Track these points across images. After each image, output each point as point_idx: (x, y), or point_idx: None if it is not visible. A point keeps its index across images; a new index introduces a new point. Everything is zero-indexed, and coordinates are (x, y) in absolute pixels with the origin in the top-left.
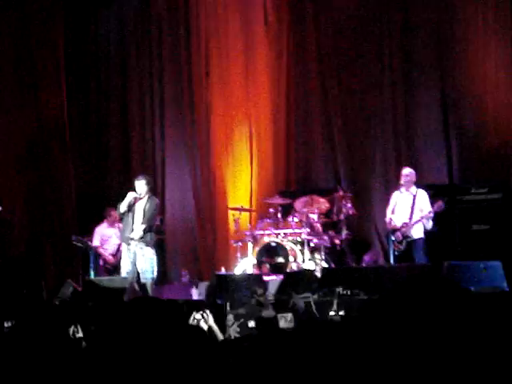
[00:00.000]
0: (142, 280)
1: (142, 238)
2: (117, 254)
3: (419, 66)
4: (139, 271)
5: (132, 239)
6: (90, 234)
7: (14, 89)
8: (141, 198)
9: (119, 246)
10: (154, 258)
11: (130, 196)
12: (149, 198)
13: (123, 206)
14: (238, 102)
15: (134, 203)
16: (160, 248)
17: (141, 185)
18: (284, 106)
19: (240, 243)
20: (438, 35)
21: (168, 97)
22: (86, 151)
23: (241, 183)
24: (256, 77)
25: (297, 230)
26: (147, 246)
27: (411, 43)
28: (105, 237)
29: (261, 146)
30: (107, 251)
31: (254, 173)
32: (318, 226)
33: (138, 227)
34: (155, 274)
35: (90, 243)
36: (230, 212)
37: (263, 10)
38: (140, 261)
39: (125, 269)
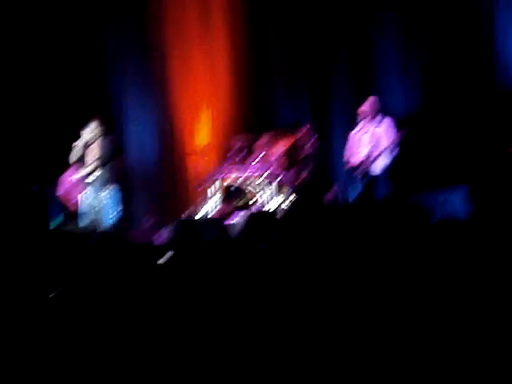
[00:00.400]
0: (104, 225)
1: (98, 179)
2: None
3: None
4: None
5: (90, 183)
6: None
7: None
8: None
9: None
10: (116, 197)
11: (82, 141)
12: (102, 140)
13: (75, 154)
14: (196, 43)
15: (86, 149)
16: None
17: (90, 129)
18: (243, 47)
19: (201, 188)
20: None
21: (127, 44)
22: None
23: (201, 126)
24: (214, 17)
25: (259, 170)
26: (106, 187)
27: None
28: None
29: (220, 86)
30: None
31: (214, 114)
32: (282, 163)
33: (95, 170)
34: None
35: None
36: (191, 156)
37: None
38: (100, 206)
39: (85, 217)
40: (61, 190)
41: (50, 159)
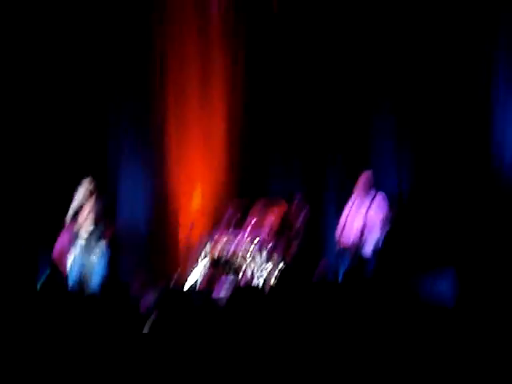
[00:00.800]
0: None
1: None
2: None
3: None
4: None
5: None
6: None
7: None
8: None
9: None
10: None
11: (75, 204)
12: (96, 200)
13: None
14: (193, 106)
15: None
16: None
17: (81, 193)
18: (240, 111)
19: (192, 251)
20: None
21: (124, 104)
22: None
23: (195, 189)
24: (212, 79)
25: (251, 237)
26: (97, 244)
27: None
28: None
29: (215, 151)
30: None
31: (208, 179)
32: (273, 232)
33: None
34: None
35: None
36: (183, 219)
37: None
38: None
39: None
40: (55, 252)
41: (45, 219)
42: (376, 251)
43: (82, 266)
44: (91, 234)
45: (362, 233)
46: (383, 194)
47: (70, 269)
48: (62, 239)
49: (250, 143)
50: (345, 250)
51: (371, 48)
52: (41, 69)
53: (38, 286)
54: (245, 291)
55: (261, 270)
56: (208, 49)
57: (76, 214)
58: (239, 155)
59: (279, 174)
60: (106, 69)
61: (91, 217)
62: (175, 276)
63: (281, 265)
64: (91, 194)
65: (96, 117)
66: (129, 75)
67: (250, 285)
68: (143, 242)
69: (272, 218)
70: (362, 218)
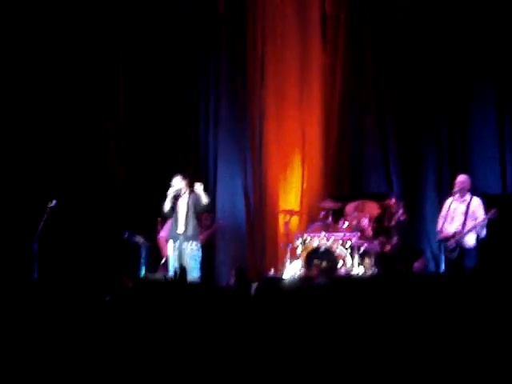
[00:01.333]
0: (189, 278)
1: (186, 232)
2: None
3: (477, 75)
4: (186, 269)
5: (179, 235)
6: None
7: None
8: (182, 195)
9: None
10: (199, 254)
11: (171, 193)
12: (190, 193)
13: (166, 205)
14: (291, 107)
15: (177, 201)
16: (210, 249)
17: (177, 181)
18: (336, 111)
19: (290, 246)
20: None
21: (223, 99)
22: (141, 152)
23: (291, 186)
24: (310, 82)
25: (347, 235)
26: (192, 240)
27: (468, 55)
28: None
29: (312, 149)
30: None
31: (305, 176)
32: (369, 230)
33: (183, 222)
34: (199, 272)
35: (142, 239)
36: (281, 215)
37: (320, 14)
38: (186, 258)
39: (171, 267)
40: (160, 240)
41: (141, 208)
42: (478, 243)
43: (181, 255)
44: (189, 226)
45: (463, 227)
46: (480, 198)
47: (171, 257)
48: (166, 228)
49: (346, 143)
50: (446, 241)
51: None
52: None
53: (142, 273)
54: (345, 279)
55: (356, 268)
56: (307, 50)
57: (169, 208)
58: (335, 154)
59: (376, 170)
60: (205, 66)
61: (188, 209)
62: (274, 269)
63: (374, 266)
64: (188, 186)
65: (193, 108)
66: (228, 71)
67: (350, 274)
68: (242, 235)
69: (369, 217)
70: (464, 213)
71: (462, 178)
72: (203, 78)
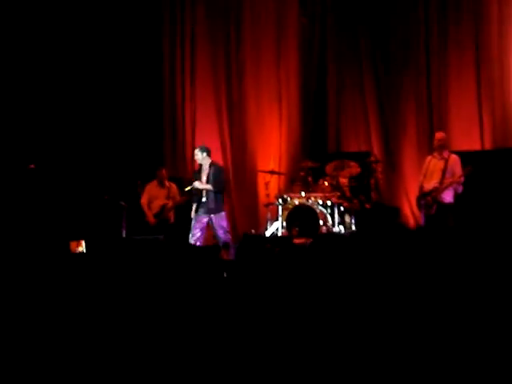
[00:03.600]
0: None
1: (208, 203)
2: (160, 215)
3: (455, 35)
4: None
5: (203, 206)
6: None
7: None
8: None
9: (164, 207)
10: (226, 223)
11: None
12: (210, 165)
13: (187, 188)
14: (269, 64)
15: (199, 174)
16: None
17: (197, 155)
18: (315, 69)
19: (270, 206)
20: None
21: (201, 58)
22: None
23: (271, 146)
24: (288, 40)
25: (327, 194)
26: (219, 212)
27: (447, 14)
28: (152, 196)
29: (290, 108)
30: (152, 210)
31: (283, 135)
32: (348, 190)
33: (205, 194)
34: (229, 237)
35: (122, 204)
36: (261, 175)
37: None
38: (214, 229)
39: (193, 236)
40: (144, 199)
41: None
42: (455, 202)
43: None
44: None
45: (443, 182)
46: (457, 156)
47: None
48: (152, 188)
49: (325, 102)
50: (424, 197)
51: None
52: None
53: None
54: (326, 237)
55: (336, 226)
56: (284, 8)
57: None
58: (314, 114)
59: (355, 130)
60: (182, 25)
61: (210, 182)
62: (256, 229)
63: (354, 223)
64: (205, 158)
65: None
66: (206, 29)
67: (331, 231)
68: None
69: (347, 177)
70: (443, 170)
71: (439, 136)
72: (179, 37)
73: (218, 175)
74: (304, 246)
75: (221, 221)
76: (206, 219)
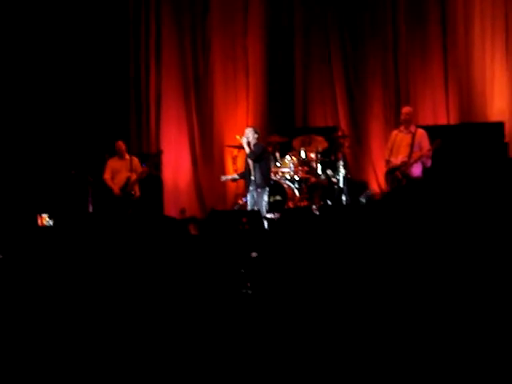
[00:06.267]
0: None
1: (255, 180)
2: (125, 188)
3: (422, 9)
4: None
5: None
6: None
7: None
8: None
9: (128, 179)
10: (265, 199)
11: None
12: (254, 145)
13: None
14: (236, 37)
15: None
16: (157, 186)
17: (247, 135)
18: (282, 43)
19: (238, 181)
20: None
21: (166, 31)
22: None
23: (238, 120)
24: (254, 12)
25: (294, 169)
26: (261, 188)
27: None
28: (114, 170)
29: (257, 82)
30: (116, 185)
31: (250, 110)
32: (316, 164)
33: (252, 172)
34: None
35: (89, 178)
36: (228, 149)
37: None
38: (257, 202)
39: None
40: (107, 174)
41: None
42: (424, 173)
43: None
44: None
45: (411, 157)
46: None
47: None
48: (114, 162)
49: (291, 76)
50: (392, 172)
51: None
52: None
53: None
54: (294, 211)
55: (304, 200)
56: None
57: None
58: (280, 88)
59: (322, 104)
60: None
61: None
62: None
63: (323, 197)
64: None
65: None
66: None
67: (299, 206)
68: (188, 176)
69: (314, 152)
70: (410, 144)
71: (406, 110)
72: (143, 9)
73: (257, 149)
74: (273, 220)
75: (264, 195)
76: (254, 193)
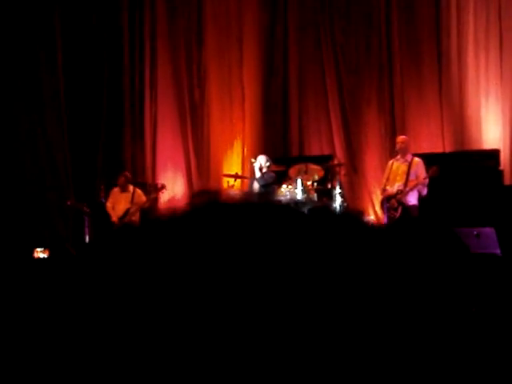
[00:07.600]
0: None
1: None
2: (123, 218)
3: (417, 37)
4: None
5: None
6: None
7: None
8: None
9: (127, 211)
10: None
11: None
12: (265, 173)
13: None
14: (232, 65)
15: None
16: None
17: (260, 162)
18: (279, 72)
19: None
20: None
21: (161, 59)
22: (79, 116)
23: (234, 149)
24: (250, 41)
25: (290, 197)
26: None
27: (410, 14)
28: (115, 201)
29: (253, 110)
30: (115, 214)
31: (246, 138)
32: (312, 193)
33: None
34: None
35: (85, 209)
36: (224, 179)
37: None
38: None
39: None
40: (109, 203)
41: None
42: (419, 204)
43: None
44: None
45: (407, 185)
46: (420, 159)
47: None
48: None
49: (287, 104)
50: (388, 200)
51: None
52: None
53: None
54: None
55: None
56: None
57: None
58: (277, 117)
59: (318, 133)
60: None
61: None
62: None
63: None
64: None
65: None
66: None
67: None
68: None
69: (310, 181)
70: (406, 172)
71: (401, 139)
72: (138, 36)
73: (268, 178)
74: None
75: None
76: None
